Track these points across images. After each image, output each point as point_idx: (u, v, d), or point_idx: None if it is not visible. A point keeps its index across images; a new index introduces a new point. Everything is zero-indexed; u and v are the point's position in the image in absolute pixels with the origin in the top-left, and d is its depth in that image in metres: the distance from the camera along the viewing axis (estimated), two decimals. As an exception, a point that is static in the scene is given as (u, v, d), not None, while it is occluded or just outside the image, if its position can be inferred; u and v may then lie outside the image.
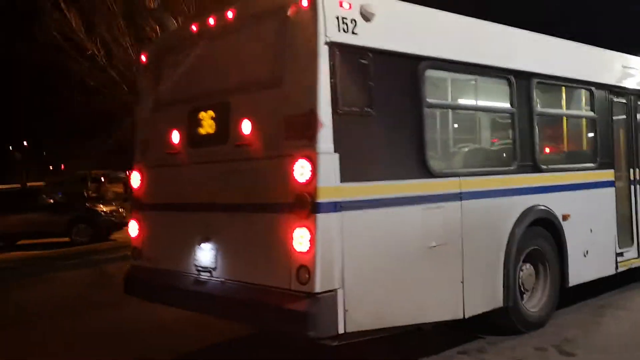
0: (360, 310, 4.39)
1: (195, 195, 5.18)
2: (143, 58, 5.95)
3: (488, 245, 5.49)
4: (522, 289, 5.97)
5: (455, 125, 5.55)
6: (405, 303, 4.75)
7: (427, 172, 4.93)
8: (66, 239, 18.13)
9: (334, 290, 4.21)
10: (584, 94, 6.96)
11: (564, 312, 6.63)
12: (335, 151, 4.26)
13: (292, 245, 4.23)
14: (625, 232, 7.45)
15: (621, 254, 7.29)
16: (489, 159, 5.86)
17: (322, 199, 4.16)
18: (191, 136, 5.27)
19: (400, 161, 4.77)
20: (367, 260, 4.45)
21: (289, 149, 4.31)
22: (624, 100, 7.62)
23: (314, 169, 4.16)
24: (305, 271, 4.16)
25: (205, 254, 4.99)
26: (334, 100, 4.28)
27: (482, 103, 5.74)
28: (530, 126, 5.97)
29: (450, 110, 5.45)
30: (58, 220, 18.35)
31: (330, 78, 4.26)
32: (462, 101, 5.67)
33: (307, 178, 4.18)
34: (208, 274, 4.96)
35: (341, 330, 4.23)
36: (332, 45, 4.29)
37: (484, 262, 5.44)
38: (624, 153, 7.63)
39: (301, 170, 4.21)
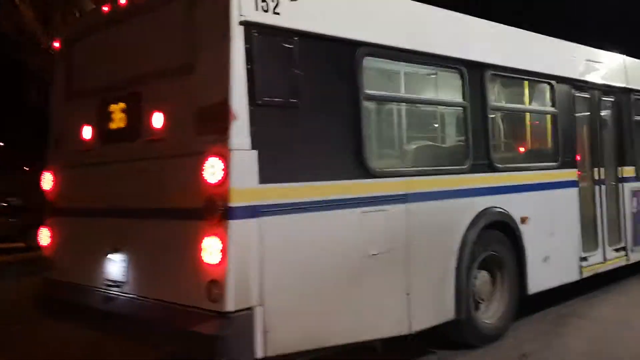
0: (285, 330, 3.84)
1: (107, 198, 4.58)
2: (56, 44, 5.33)
3: (438, 252, 4.98)
4: (478, 298, 5.49)
5: (400, 121, 5.02)
6: (340, 319, 4.21)
7: (366, 172, 4.39)
8: (22, 244, 17.32)
9: (251, 309, 3.65)
10: (544, 88, 6.51)
11: (525, 322, 6.16)
12: (252, 147, 3.70)
13: (202, 257, 3.66)
14: (589, 236, 7.03)
15: (585, 259, 6.86)
16: (439, 158, 5.35)
17: (235, 202, 3.60)
18: (102, 132, 4.67)
19: (334, 159, 4.23)
20: (293, 272, 3.90)
21: (200, 146, 3.74)
22: (588, 96, 7.21)
23: (227, 168, 3.59)
24: (216, 287, 3.59)
25: (115, 266, 4.39)
26: (252, 89, 3.72)
27: (430, 96, 5.24)
28: (484, 122, 5.48)
29: (393, 104, 4.93)
30: (13, 224, 17.54)
31: (247, 63, 3.70)
32: (407, 93, 5.11)
33: (219, 179, 3.62)
34: (117, 290, 4.36)
35: (260, 355, 3.66)
36: (249, 26, 3.73)
37: (433, 271, 4.93)
38: (587, 151, 7.22)
39: (212, 170, 3.64)
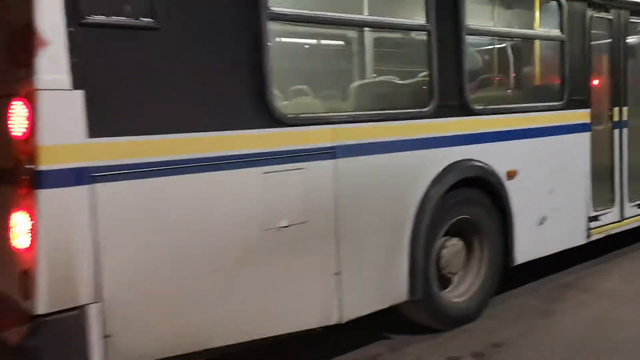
0: (138, 333, 2.88)
1: None
2: None
3: (383, 219, 3.90)
4: (447, 272, 4.43)
5: (330, 49, 3.83)
6: (231, 313, 3.22)
7: (271, 119, 3.28)
8: None
9: (80, 309, 2.69)
10: (548, 7, 5.15)
11: (514, 295, 5.11)
12: (75, 86, 2.63)
13: (11, 239, 2.70)
14: (603, 190, 5.81)
15: (596, 218, 5.67)
16: (389, 98, 4.17)
17: (48, 164, 2.58)
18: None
19: (220, 103, 3.12)
20: (151, 256, 2.90)
21: (11, 85, 2.71)
22: (610, 17, 5.80)
23: (33, 116, 2.56)
24: (27, 280, 2.64)
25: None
26: (73, 3, 2.63)
27: (372, 16, 3.96)
28: (457, 51, 4.22)
29: (318, 27, 3.73)
30: None
31: None
32: (337, 13, 3.76)
33: (24, 131, 2.60)
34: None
35: (97, 369, 2.74)
36: None
37: (375, 243, 3.86)
38: (606, 87, 5.89)
39: (17, 119, 2.62)
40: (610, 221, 5.86)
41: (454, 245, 4.45)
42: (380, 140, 3.82)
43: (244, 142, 3.16)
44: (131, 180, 2.79)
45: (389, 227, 3.93)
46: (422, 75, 4.19)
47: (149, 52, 2.86)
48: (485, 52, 4.89)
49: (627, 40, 6.02)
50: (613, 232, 5.92)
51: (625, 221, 6.04)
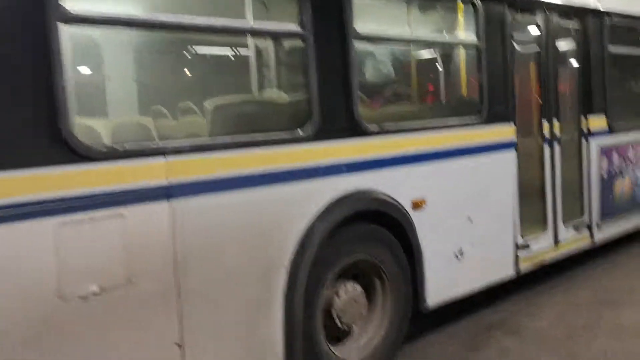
0: None
1: None
2: None
3: (244, 269, 3.14)
4: (342, 324, 3.71)
5: (165, 59, 3.07)
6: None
7: (69, 152, 2.50)
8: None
9: None
10: (458, 9, 4.51)
11: (431, 341, 4.42)
12: None
13: None
14: (533, 214, 5.19)
15: (526, 247, 5.03)
16: (253, 119, 3.43)
17: None
18: None
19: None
20: None
21: None
22: (537, 21, 5.21)
23: None
24: None
25: None
26: None
27: (226, 22, 3.18)
28: (343, 61, 3.52)
29: (144, 31, 2.97)
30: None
31: None
32: (174, 16, 2.94)
33: None
34: None
35: None
36: None
37: (234, 300, 3.11)
38: (532, 100, 5.28)
39: None
40: (543, 248, 5.24)
41: (350, 291, 3.74)
42: (239, 173, 3.07)
43: (28, 184, 2.38)
44: None
45: (254, 279, 3.18)
46: (299, 91, 3.47)
47: None
48: (386, 62, 4.20)
49: (557, 46, 5.43)
50: (549, 260, 5.30)
51: (561, 247, 5.44)
